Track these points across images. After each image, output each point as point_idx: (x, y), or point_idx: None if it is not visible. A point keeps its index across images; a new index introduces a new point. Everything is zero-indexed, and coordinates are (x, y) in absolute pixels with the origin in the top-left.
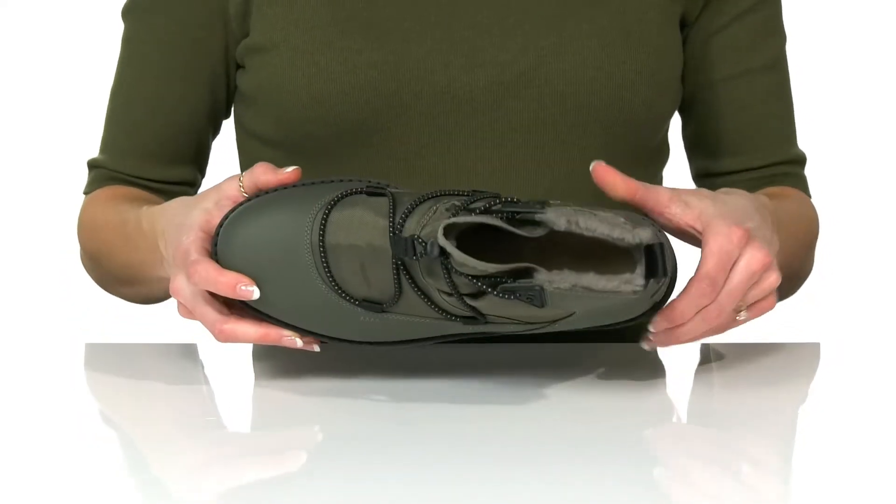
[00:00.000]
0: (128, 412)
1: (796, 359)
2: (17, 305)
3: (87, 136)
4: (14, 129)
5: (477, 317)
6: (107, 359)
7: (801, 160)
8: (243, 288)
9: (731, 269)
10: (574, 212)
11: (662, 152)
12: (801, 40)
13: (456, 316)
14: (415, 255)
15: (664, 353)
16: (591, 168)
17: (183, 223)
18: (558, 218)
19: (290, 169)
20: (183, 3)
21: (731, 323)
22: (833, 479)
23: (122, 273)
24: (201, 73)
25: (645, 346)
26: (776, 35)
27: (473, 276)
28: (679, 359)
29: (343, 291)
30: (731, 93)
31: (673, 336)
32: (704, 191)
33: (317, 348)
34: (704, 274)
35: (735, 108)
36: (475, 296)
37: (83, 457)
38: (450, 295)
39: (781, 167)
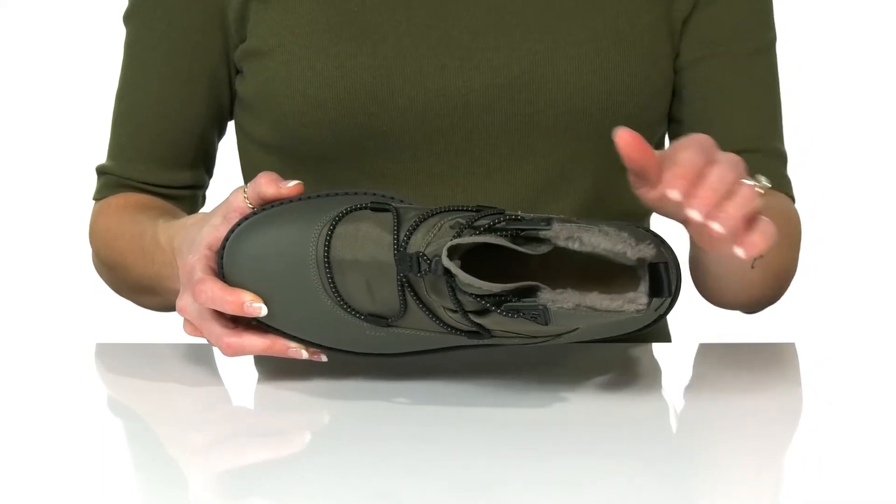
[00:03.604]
0: (135, 411)
1: (772, 359)
2: (27, 306)
3: (97, 136)
4: (25, 130)
5: (481, 332)
6: (116, 358)
7: (780, 156)
8: (252, 305)
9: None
10: (577, 227)
11: None
12: (793, 41)
13: (461, 331)
14: (419, 271)
15: (658, 354)
16: (615, 136)
17: (194, 240)
18: (561, 234)
19: (292, 183)
20: (181, 8)
21: (754, 197)
22: (808, 477)
23: (138, 283)
24: (203, 77)
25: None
26: (764, 30)
27: (478, 296)
28: (673, 359)
29: (348, 306)
30: (710, 72)
31: (713, 213)
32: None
33: (324, 358)
34: (687, 141)
35: (713, 88)
36: (480, 313)
37: (91, 454)
38: (454, 312)
39: (759, 157)
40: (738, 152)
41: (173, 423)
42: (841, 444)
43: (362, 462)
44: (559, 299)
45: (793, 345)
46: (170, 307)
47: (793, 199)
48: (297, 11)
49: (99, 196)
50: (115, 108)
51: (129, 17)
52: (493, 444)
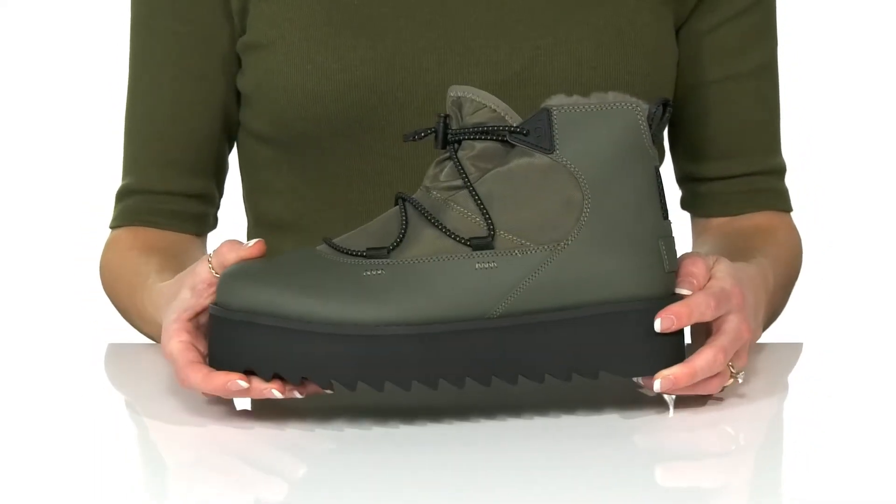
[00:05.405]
0: (146, 411)
1: (780, 358)
2: (40, 306)
3: (110, 134)
4: (37, 129)
5: (488, 232)
6: (128, 359)
7: (781, 170)
8: (234, 386)
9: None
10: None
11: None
12: (794, 44)
13: (464, 239)
14: (423, 133)
15: None
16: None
17: (167, 314)
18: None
19: (251, 243)
20: (187, 4)
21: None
22: (815, 477)
23: (136, 328)
24: (215, 70)
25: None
26: (768, 40)
27: (481, 132)
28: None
29: (345, 248)
30: (718, 96)
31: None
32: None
33: (277, 395)
34: (721, 347)
35: (720, 113)
36: (484, 177)
37: (101, 455)
38: (458, 189)
39: (761, 178)
40: (736, 177)
41: (185, 423)
42: (824, 443)
43: (362, 457)
44: (563, 98)
45: (800, 345)
46: None
47: (790, 210)
48: (296, 4)
49: (113, 225)
50: (126, 121)
51: (134, 26)
52: (490, 441)
